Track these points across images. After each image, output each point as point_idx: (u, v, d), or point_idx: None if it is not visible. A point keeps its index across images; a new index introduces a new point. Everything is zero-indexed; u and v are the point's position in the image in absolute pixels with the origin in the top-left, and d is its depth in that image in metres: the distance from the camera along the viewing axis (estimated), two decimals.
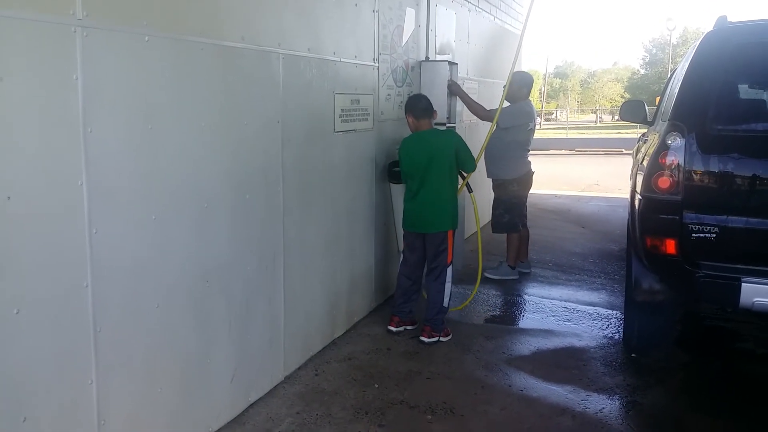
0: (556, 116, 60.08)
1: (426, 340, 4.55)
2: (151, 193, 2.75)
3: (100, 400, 2.57)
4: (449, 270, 4.63)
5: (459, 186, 4.88)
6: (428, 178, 4.54)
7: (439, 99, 5.68)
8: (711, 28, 4.11)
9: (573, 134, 32.15)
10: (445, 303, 4.63)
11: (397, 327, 4.74)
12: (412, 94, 4.97)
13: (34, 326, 2.29)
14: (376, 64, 4.91)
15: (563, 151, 23.06)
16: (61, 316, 2.39)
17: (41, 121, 2.25)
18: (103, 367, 2.57)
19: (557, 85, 64.93)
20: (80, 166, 2.40)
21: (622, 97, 51.04)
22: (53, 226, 2.33)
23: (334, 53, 4.22)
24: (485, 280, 6.05)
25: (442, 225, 4.60)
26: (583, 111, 65.44)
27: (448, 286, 4.63)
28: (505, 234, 6.24)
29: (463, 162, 4.66)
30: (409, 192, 4.68)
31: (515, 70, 5.94)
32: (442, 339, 4.61)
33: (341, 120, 4.39)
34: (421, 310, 4.79)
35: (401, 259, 4.85)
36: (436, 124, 5.58)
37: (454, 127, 5.97)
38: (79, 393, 2.50)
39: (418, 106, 4.69)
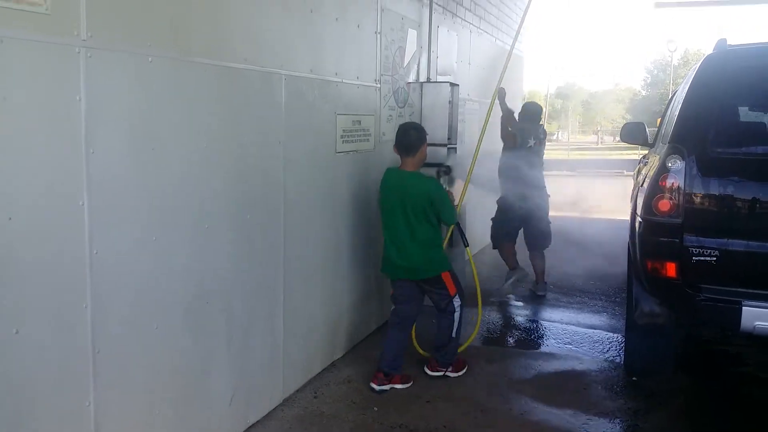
0: (557, 137, 60.22)
1: (429, 372, 4.32)
2: (152, 214, 2.76)
3: (98, 422, 2.55)
4: (455, 300, 4.24)
5: (445, 236, 4.62)
6: (399, 224, 4.09)
7: (439, 120, 5.71)
8: (711, 51, 4.14)
9: (574, 155, 32.24)
10: (454, 334, 4.29)
11: (380, 385, 4.12)
12: (403, 123, 4.44)
13: (33, 346, 2.28)
14: (378, 85, 4.94)
15: (564, 172, 23.11)
16: (60, 336, 2.38)
17: (43, 141, 2.26)
18: (102, 388, 2.55)
19: (559, 106, 65.18)
20: (82, 186, 2.41)
21: (624, 118, 51.19)
22: (54, 246, 2.33)
23: (336, 74, 4.25)
24: (487, 303, 6.04)
25: (433, 269, 4.18)
26: (584, 132, 65.65)
27: (456, 316, 4.26)
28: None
29: (441, 213, 4.10)
30: (386, 230, 4.21)
31: (501, 84, 6.04)
32: (449, 374, 4.31)
33: (342, 141, 4.40)
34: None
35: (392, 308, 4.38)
36: (436, 144, 5.62)
37: (455, 148, 5.98)
38: (77, 414, 2.48)
39: (402, 141, 4.15)
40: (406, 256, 4.12)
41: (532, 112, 6.75)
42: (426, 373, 4.31)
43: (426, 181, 4.18)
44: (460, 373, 4.34)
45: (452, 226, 4.58)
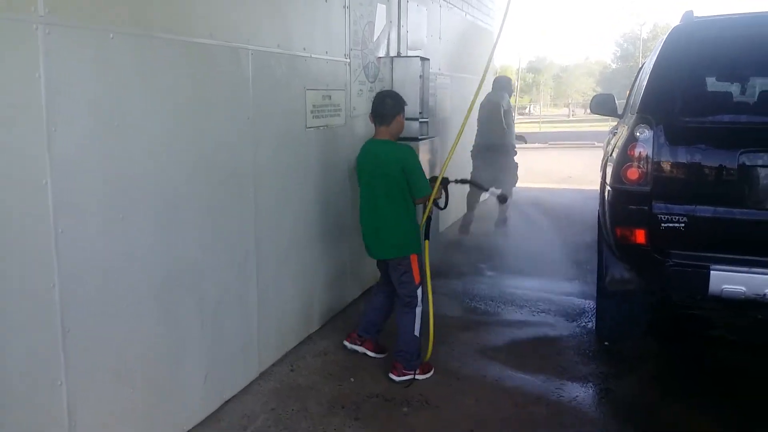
0: (529, 110, 60.43)
1: (395, 378, 3.90)
2: (118, 192, 2.73)
3: (71, 402, 2.54)
4: (419, 292, 3.96)
5: (424, 213, 4.22)
6: (373, 197, 3.95)
7: (411, 94, 5.70)
8: (678, 23, 4.17)
9: (546, 128, 32.42)
10: (416, 332, 3.95)
11: (351, 343, 4.24)
12: (380, 91, 4.39)
13: (2, 328, 2.26)
14: (348, 60, 4.91)
15: (536, 145, 23.23)
16: (28, 317, 2.36)
17: (3, 121, 2.21)
18: (73, 368, 2.54)
19: (530, 80, 65.33)
20: (45, 165, 2.37)
21: (594, 90, 51.50)
22: (18, 226, 2.30)
23: (305, 49, 4.21)
24: (461, 273, 6.12)
25: (396, 251, 3.96)
26: (556, 105, 65.98)
27: (418, 311, 3.95)
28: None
29: (412, 186, 3.89)
30: (361, 203, 4.07)
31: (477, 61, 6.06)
32: (418, 377, 3.93)
33: (313, 116, 4.37)
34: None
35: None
36: (408, 119, 5.60)
37: (427, 122, 5.98)
38: (49, 395, 2.47)
39: (376, 108, 4.00)
40: (373, 232, 4.01)
41: (502, 83, 8.25)
42: (392, 380, 3.91)
43: (400, 148, 3.94)
44: (429, 375, 3.99)
45: (429, 205, 4.20)
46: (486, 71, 4.59)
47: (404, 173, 3.86)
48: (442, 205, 4.48)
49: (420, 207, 4.15)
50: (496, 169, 7.78)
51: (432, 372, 4.01)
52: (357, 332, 4.29)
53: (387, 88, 5.71)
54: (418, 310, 3.96)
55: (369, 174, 3.97)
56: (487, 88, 7.97)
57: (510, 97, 8.34)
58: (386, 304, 4.23)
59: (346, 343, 4.28)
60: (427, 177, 4.17)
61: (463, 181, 4.83)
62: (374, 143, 4.02)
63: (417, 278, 3.95)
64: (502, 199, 5.11)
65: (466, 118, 4.50)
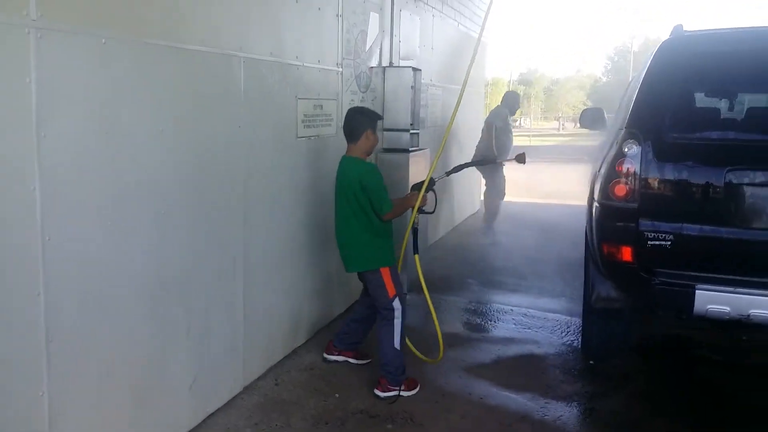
0: (519, 123, 60.64)
1: (380, 394, 3.86)
2: (107, 199, 2.69)
3: (52, 412, 2.50)
4: (395, 304, 3.90)
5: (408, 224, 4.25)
6: (340, 212, 3.97)
7: (402, 105, 5.71)
8: (667, 37, 4.19)
9: (536, 141, 32.50)
10: (396, 344, 3.88)
11: (329, 354, 4.26)
12: (351, 107, 4.32)
13: None
14: (340, 69, 4.90)
15: (529, 159, 23.22)
16: (11, 326, 2.32)
17: None
18: (56, 378, 2.50)
19: (521, 93, 65.59)
20: (33, 171, 2.34)
21: (585, 104, 51.81)
22: (4, 233, 2.26)
23: (297, 57, 4.20)
24: (449, 289, 6.11)
25: (361, 264, 3.96)
26: (546, 118, 66.26)
27: (397, 323, 3.89)
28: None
29: (373, 203, 3.87)
30: (335, 218, 4.09)
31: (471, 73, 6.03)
32: (403, 393, 3.86)
33: (304, 125, 4.36)
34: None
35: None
36: (399, 130, 5.65)
37: (417, 134, 5.98)
38: (30, 405, 2.43)
39: (345, 126, 4.02)
40: (341, 245, 4.03)
41: (505, 99, 9.11)
42: (377, 396, 3.87)
43: (360, 164, 3.93)
44: (414, 392, 3.93)
45: (413, 218, 4.24)
46: (465, 82, 4.55)
47: (364, 191, 3.85)
48: (430, 209, 4.45)
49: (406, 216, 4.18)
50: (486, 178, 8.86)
51: (418, 389, 3.96)
52: (333, 342, 4.32)
53: (379, 98, 5.72)
54: (397, 322, 3.89)
55: (337, 190, 3.99)
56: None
57: (512, 113, 9.09)
58: (368, 316, 4.22)
59: (325, 355, 4.31)
60: (413, 184, 4.26)
61: (455, 170, 4.72)
62: (343, 160, 4.02)
63: (391, 291, 3.90)
64: (521, 158, 5.10)
65: (448, 128, 4.51)
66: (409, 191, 4.40)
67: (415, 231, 4.23)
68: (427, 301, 4.17)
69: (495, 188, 8.75)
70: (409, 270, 5.75)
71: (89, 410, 2.72)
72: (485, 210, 9.12)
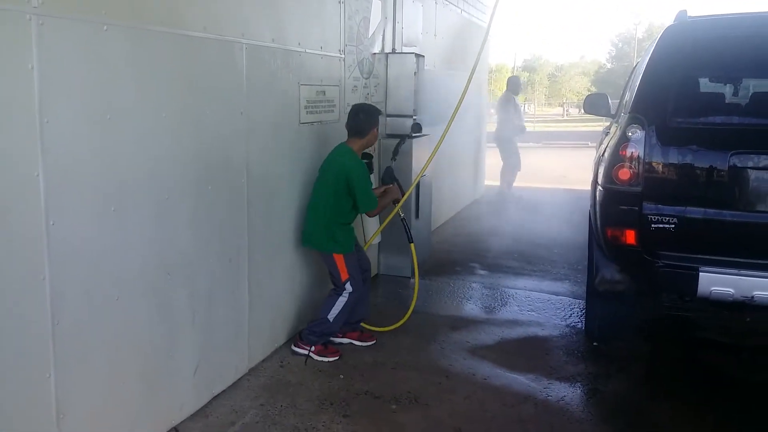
0: (524, 109, 60.38)
1: (293, 348, 4.16)
2: (110, 184, 2.72)
3: (59, 394, 2.54)
4: (348, 285, 4.13)
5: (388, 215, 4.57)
6: (315, 191, 4.18)
7: (405, 92, 5.72)
8: (671, 22, 4.18)
9: (540, 127, 32.39)
10: (330, 316, 4.11)
11: (334, 336, 4.32)
12: (356, 104, 4.47)
13: None
14: (342, 56, 4.90)
15: (530, 144, 23.23)
16: (17, 309, 2.35)
17: None
18: (62, 361, 2.54)
19: (525, 79, 65.29)
20: (37, 156, 2.36)
21: (589, 90, 51.50)
22: (9, 218, 2.29)
23: (299, 44, 4.20)
24: (453, 272, 6.14)
25: (321, 245, 4.18)
26: (550, 104, 65.95)
27: (340, 300, 4.12)
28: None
29: (356, 197, 4.07)
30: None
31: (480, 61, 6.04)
32: (313, 356, 4.07)
33: (306, 111, 4.37)
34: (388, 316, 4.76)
35: None
36: (402, 116, 5.66)
37: (420, 120, 5.98)
38: (37, 387, 2.47)
39: (349, 122, 4.24)
40: (305, 222, 4.25)
41: (513, 84, 10.70)
42: (292, 350, 4.16)
43: (352, 159, 4.12)
44: (324, 359, 4.09)
45: (396, 208, 4.52)
46: (474, 68, 4.71)
47: (348, 185, 4.05)
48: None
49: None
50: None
51: (335, 358, 4.13)
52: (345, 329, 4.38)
53: (381, 84, 5.72)
54: (341, 299, 4.13)
55: (321, 170, 4.21)
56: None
57: (516, 95, 10.60)
58: (363, 292, 4.32)
59: (332, 338, 4.33)
60: (414, 174, 4.34)
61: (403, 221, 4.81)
62: (340, 148, 4.23)
63: (344, 275, 4.13)
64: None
65: (452, 116, 4.61)
66: (380, 183, 4.70)
67: (402, 221, 4.50)
68: (415, 284, 4.61)
69: (511, 162, 10.35)
70: (419, 254, 5.78)
71: (96, 392, 2.75)
72: (502, 180, 10.48)
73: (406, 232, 4.55)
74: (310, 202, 4.21)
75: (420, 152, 5.80)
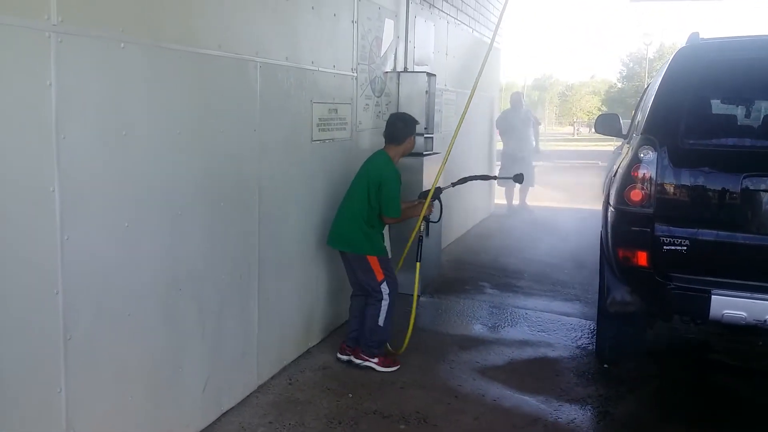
0: (538, 125, 60.32)
1: (354, 361, 4.24)
2: (124, 200, 2.74)
3: (69, 408, 2.54)
4: (383, 287, 4.19)
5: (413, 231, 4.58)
6: (350, 192, 4.29)
7: (416, 109, 5.72)
8: (684, 44, 4.19)
9: (550, 146, 32.39)
10: (380, 322, 4.18)
11: (342, 354, 4.36)
12: (394, 113, 4.76)
13: (3, 333, 2.26)
14: (355, 74, 4.93)
15: (540, 163, 23.21)
16: (31, 323, 2.36)
17: (13, 127, 2.23)
18: (73, 375, 2.54)
19: (536, 98, 65.38)
20: (53, 172, 2.38)
21: (599, 109, 51.50)
22: (24, 232, 2.31)
23: (313, 62, 4.23)
24: (463, 291, 6.13)
25: (356, 246, 4.21)
26: (560, 123, 65.98)
27: (384, 304, 4.19)
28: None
29: (382, 204, 4.18)
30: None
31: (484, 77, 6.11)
32: (378, 368, 4.19)
33: (319, 129, 4.39)
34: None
35: None
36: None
37: (432, 138, 6.00)
38: (48, 401, 2.47)
39: (387, 130, 4.41)
40: (336, 222, 4.32)
41: (513, 100, 11.03)
42: (352, 363, 4.25)
43: (388, 166, 4.27)
44: (388, 370, 4.21)
45: (423, 210, 4.53)
46: (475, 86, 4.86)
47: (379, 191, 4.18)
48: (435, 219, 4.84)
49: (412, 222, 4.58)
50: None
51: (395, 368, 4.24)
52: (345, 343, 4.40)
53: (393, 103, 5.74)
54: (384, 303, 4.20)
55: (358, 175, 4.34)
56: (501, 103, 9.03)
57: (516, 108, 10.90)
58: (363, 308, 4.34)
59: (338, 355, 4.38)
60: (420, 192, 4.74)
61: (461, 181, 5.02)
62: (378, 154, 4.41)
63: (379, 276, 4.20)
64: (518, 179, 5.41)
65: (456, 131, 4.71)
66: (417, 199, 4.78)
67: (419, 239, 4.54)
68: (413, 302, 4.57)
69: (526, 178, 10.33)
70: (423, 273, 5.77)
71: (106, 407, 2.76)
72: (507, 197, 10.84)
73: (418, 250, 4.59)
74: (344, 205, 4.31)
75: (430, 171, 5.80)
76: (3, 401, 2.29)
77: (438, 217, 4.93)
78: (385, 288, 4.20)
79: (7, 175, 2.22)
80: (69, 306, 2.49)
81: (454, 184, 4.98)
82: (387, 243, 4.60)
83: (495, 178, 6.33)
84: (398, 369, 4.27)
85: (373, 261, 4.20)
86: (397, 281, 4.32)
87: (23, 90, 2.26)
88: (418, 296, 5.55)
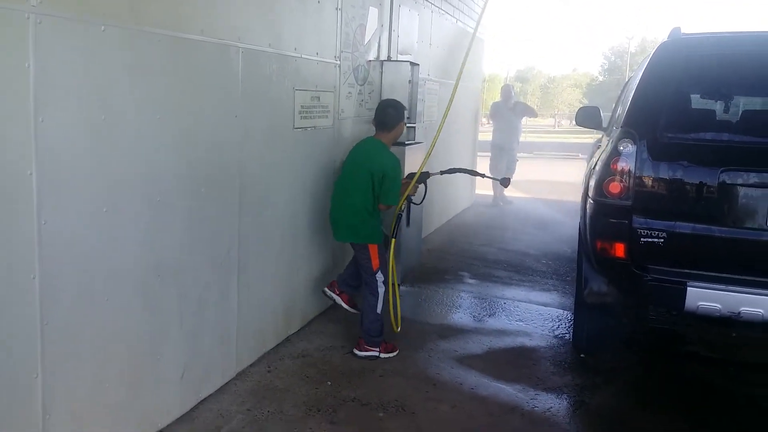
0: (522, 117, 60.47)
1: (357, 353, 4.31)
2: (102, 185, 2.71)
3: (46, 394, 2.53)
4: (378, 276, 4.33)
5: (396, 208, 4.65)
6: (349, 185, 4.30)
7: (399, 99, 5.69)
8: (665, 39, 4.22)
9: (531, 137, 32.53)
10: (379, 310, 4.33)
11: (330, 290, 4.57)
12: (383, 100, 4.80)
13: None
14: (338, 62, 4.91)
15: (521, 154, 23.28)
16: (6, 308, 2.34)
17: None
18: (50, 361, 2.52)
19: (518, 89, 65.51)
20: (30, 155, 2.35)
21: (581, 102, 51.82)
22: (0, 216, 2.28)
23: (295, 49, 4.21)
24: (443, 281, 6.16)
25: (359, 236, 4.32)
26: (542, 115, 66.26)
27: (381, 292, 4.34)
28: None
29: (384, 192, 4.26)
30: (335, 188, 4.48)
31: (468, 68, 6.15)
32: (382, 355, 4.31)
33: (301, 116, 4.37)
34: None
35: None
36: None
37: (414, 127, 6.00)
38: (24, 386, 2.45)
39: (377, 116, 4.44)
40: (338, 215, 4.38)
41: (504, 92, 11.18)
42: (355, 355, 4.31)
43: (388, 154, 4.35)
44: (391, 355, 4.34)
45: (396, 212, 4.60)
46: (460, 74, 4.89)
47: (383, 180, 4.23)
48: (418, 200, 5.05)
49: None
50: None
51: (396, 353, 4.36)
52: (336, 281, 4.61)
53: (376, 91, 5.73)
54: (381, 291, 4.34)
55: (354, 164, 4.35)
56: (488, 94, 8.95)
57: (506, 100, 10.99)
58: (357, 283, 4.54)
59: (325, 289, 4.60)
60: (408, 173, 4.82)
61: (449, 171, 5.20)
62: (369, 141, 4.46)
63: (375, 264, 4.32)
64: (504, 182, 5.54)
65: (442, 123, 4.76)
66: (403, 179, 4.79)
67: (399, 217, 4.64)
68: (394, 286, 4.62)
69: (499, 168, 10.55)
70: (402, 260, 5.80)
71: (82, 393, 2.74)
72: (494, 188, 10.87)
73: (394, 228, 4.65)
74: (344, 197, 4.32)
75: (412, 160, 5.80)
76: None
77: (420, 199, 5.06)
78: (379, 276, 4.33)
79: None
80: (46, 291, 2.47)
81: (442, 172, 5.13)
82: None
83: (483, 176, 6.34)
84: (377, 357, 4.29)
85: (373, 249, 4.31)
86: (387, 270, 4.41)
87: (1, 71, 2.22)
88: (399, 284, 5.60)
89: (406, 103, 5.72)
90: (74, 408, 2.70)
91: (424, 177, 4.79)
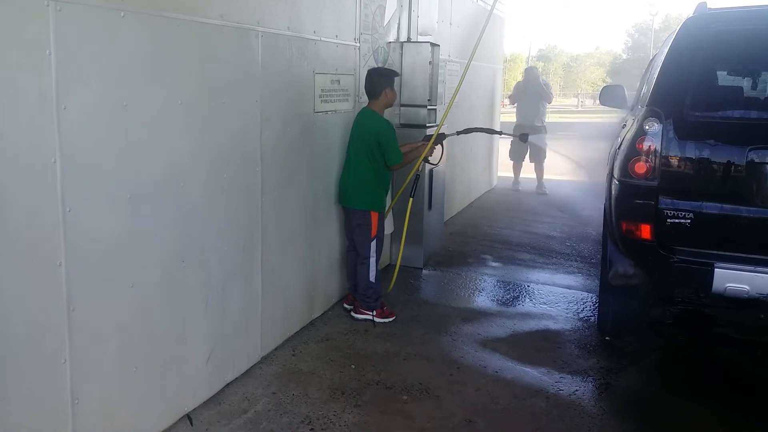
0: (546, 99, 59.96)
1: (354, 315, 4.62)
2: (126, 172, 2.72)
3: (74, 379, 2.56)
4: (372, 245, 4.53)
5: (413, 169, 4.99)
6: (352, 155, 4.51)
7: (419, 81, 5.68)
8: (691, 14, 4.13)
9: (554, 118, 32.23)
10: (371, 278, 4.54)
11: (346, 304, 4.81)
12: (370, 68, 4.79)
13: (7, 305, 2.27)
14: (357, 44, 4.88)
15: (546, 135, 23.01)
16: (34, 295, 2.37)
17: (13, 98, 2.21)
18: (77, 346, 2.56)
19: (540, 69, 64.84)
20: (54, 143, 2.37)
21: (604, 81, 51.12)
22: (26, 204, 2.30)
23: (315, 32, 4.18)
24: (465, 264, 6.14)
25: (357, 202, 4.51)
26: (565, 95, 65.57)
27: (371, 261, 4.54)
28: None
29: (385, 154, 4.47)
30: (346, 158, 4.65)
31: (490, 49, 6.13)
32: (376, 319, 4.56)
33: (321, 100, 4.36)
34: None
35: None
36: (416, 105, 5.64)
37: (435, 109, 5.95)
38: (53, 372, 2.49)
39: (365, 86, 4.60)
40: (346, 181, 4.55)
41: (528, 75, 11.07)
42: (352, 317, 4.61)
43: (379, 120, 4.50)
44: (387, 320, 4.58)
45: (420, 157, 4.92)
46: (472, 54, 5.21)
47: (379, 145, 4.43)
48: (435, 161, 5.23)
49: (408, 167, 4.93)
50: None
51: (392, 319, 4.60)
52: (351, 293, 4.79)
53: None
54: (372, 260, 4.54)
55: (351, 137, 4.56)
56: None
57: (531, 84, 10.72)
58: (354, 261, 4.69)
59: (345, 305, 4.81)
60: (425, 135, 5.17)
61: (465, 131, 5.40)
62: (363, 111, 4.59)
63: (373, 232, 4.52)
64: (524, 138, 5.62)
65: (453, 97, 5.15)
66: (420, 140, 5.12)
67: (416, 177, 4.91)
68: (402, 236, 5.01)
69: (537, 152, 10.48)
70: (425, 244, 5.78)
71: (109, 378, 2.77)
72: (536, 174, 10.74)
73: (413, 188, 4.92)
74: (347, 165, 4.54)
75: None
76: (9, 372, 2.30)
77: (438, 160, 5.25)
78: (373, 244, 4.53)
79: (7, 146, 2.21)
80: (72, 278, 2.50)
81: (458, 133, 5.33)
82: (387, 199, 4.88)
83: (500, 133, 6.40)
84: (401, 340, 4.29)
85: (374, 217, 4.51)
86: (383, 237, 4.66)
87: (23, 59, 2.23)
88: (421, 269, 5.61)
89: (426, 85, 5.70)
90: (102, 392, 2.73)
91: (440, 138, 4.99)
